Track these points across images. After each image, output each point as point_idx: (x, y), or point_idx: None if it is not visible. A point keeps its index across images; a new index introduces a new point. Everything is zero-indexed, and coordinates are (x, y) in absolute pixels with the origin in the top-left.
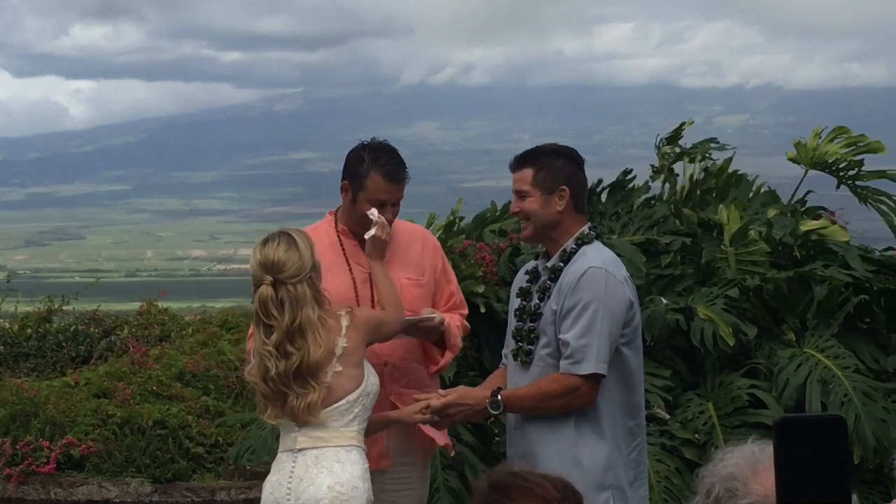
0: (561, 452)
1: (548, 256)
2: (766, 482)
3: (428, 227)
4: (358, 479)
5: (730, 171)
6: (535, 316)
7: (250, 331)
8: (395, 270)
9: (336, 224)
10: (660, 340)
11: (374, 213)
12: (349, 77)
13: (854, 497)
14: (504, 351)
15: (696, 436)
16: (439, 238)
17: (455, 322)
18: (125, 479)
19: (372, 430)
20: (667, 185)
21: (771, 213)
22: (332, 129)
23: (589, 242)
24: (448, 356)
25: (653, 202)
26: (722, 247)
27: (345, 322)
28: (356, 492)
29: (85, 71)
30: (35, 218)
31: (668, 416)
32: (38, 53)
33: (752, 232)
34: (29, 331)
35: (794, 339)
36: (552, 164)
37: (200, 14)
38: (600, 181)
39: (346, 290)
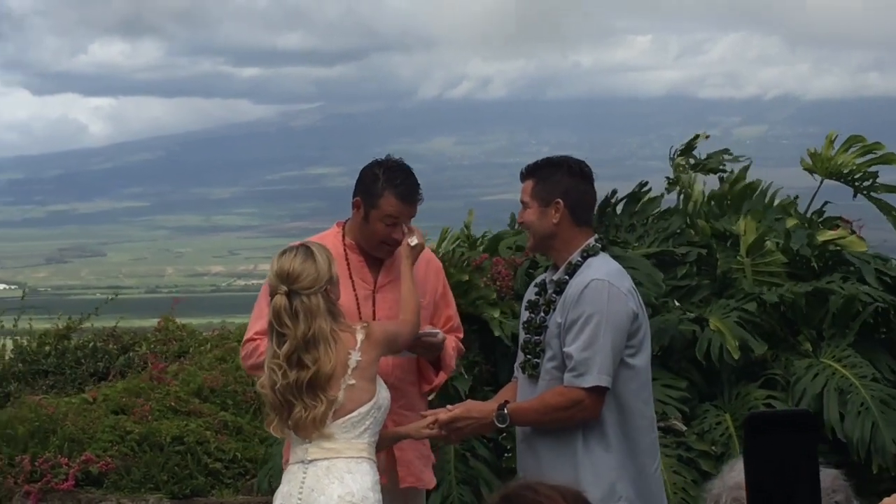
0: (568, 466)
1: (556, 269)
2: None
3: (441, 241)
4: (368, 489)
5: (747, 181)
6: (541, 329)
7: (248, 334)
8: (398, 290)
9: (343, 237)
10: (676, 351)
11: (412, 238)
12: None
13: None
14: (515, 364)
15: (713, 447)
16: (456, 251)
17: (451, 344)
18: (144, 495)
19: (383, 446)
20: (682, 197)
21: (789, 223)
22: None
23: (594, 255)
24: (442, 377)
25: (668, 214)
26: (738, 258)
27: (360, 336)
28: (366, 502)
29: (103, 88)
30: (55, 235)
31: (684, 428)
32: (56, 71)
33: (768, 243)
34: (48, 348)
35: (811, 350)
36: (550, 176)
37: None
38: (614, 192)
39: (348, 305)
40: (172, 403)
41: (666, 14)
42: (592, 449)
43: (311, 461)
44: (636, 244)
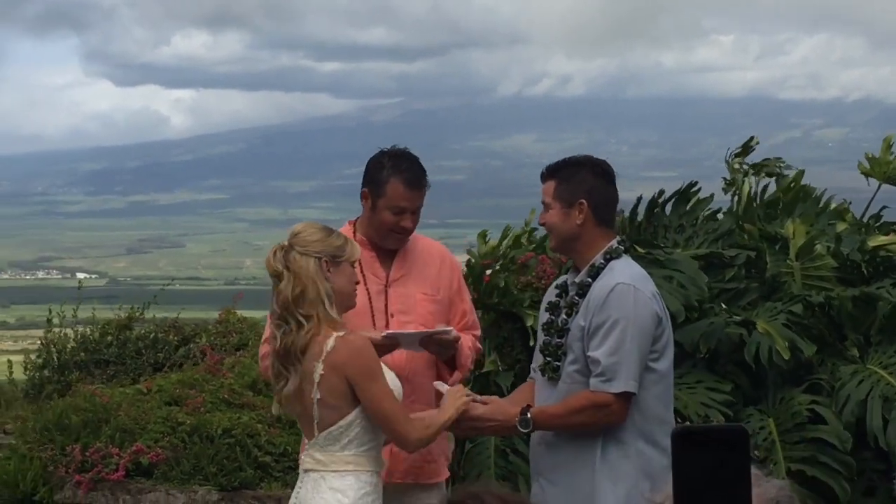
0: (586, 470)
1: (577, 271)
2: None
3: (502, 239)
4: None
5: (815, 185)
6: (563, 332)
7: (265, 335)
8: (411, 285)
9: (355, 233)
10: (722, 355)
11: (442, 386)
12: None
13: None
14: (532, 366)
15: (756, 452)
16: (505, 249)
17: (467, 343)
18: (192, 486)
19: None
20: (735, 199)
21: (840, 227)
22: (429, 140)
23: (617, 257)
24: (458, 375)
25: (718, 215)
26: (788, 261)
27: (328, 345)
28: None
29: (185, 80)
30: (135, 226)
31: None
32: (139, 63)
33: (818, 246)
34: (109, 338)
35: (858, 355)
36: (573, 176)
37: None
38: (661, 192)
39: (360, 300)
40: (226, 396)
41: (752, 14)
42: (610, 453)
43: (305, 471)
44: (684, 245)
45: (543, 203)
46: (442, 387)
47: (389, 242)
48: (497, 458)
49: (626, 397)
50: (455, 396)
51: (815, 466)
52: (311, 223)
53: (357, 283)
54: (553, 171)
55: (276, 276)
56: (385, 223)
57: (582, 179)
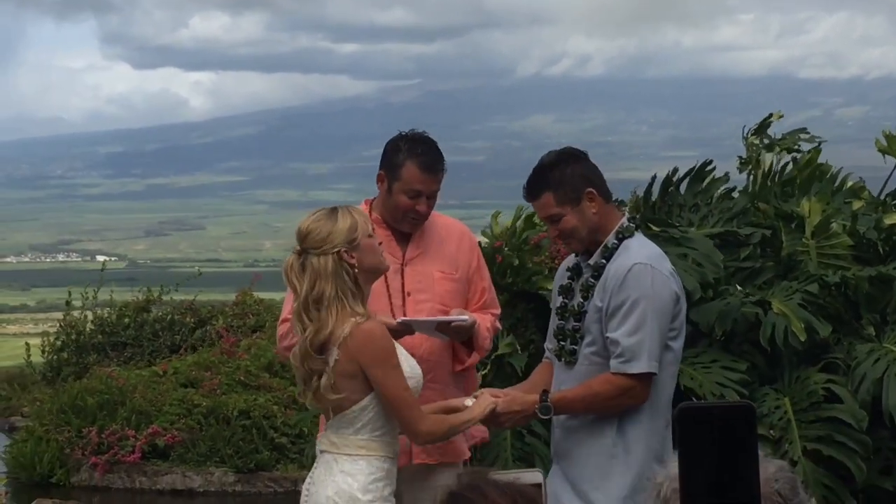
0: (601, 455)
1: (589, 252)
2: None
3: (515, 221)
4: (357, 491)
5: (835, 164)
6: (580, 315)
7: (283, 315)
8: (429, 263)
9: (371, 213)
10: (737, 334)
11: (469, 400)
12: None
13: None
14: (546, 345)
15: (771, 431)
16: (519, 229)
17: (485, 323)
18: (209, 468)
19: (449, 436)
20: (751, 178)
21: (856, 205)
22: (448, 121)
23: (630, 236)
24: (475, 357)
25: (733, 193)
26: (803, 240)
27: (344, 331)
28: (353, 502)
29: (203, 63)
30: (155, 208)
31: None
32: (157, 45)
33: (834, 225)
34: (127, 320)
35: (874, 334)
36: (564, 175)
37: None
38: (675, 170)
39: (376, 281)
40: (242, 378)
41: None
42: (627, 433)
43: (321, 452)
44: (699, 224)
45: (549, 217)
46: (468, 401)
47: (404, 226)
48: (514, 440)
49: (647, 378)
50: (483, 403)
51: (831, 445)
52: (313, 217)
53: (381, 243)
54: (541, 184)
55: (295, 286)
56: (400, 207)
57: (572, 173)
